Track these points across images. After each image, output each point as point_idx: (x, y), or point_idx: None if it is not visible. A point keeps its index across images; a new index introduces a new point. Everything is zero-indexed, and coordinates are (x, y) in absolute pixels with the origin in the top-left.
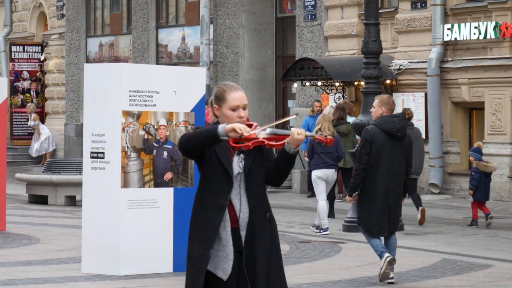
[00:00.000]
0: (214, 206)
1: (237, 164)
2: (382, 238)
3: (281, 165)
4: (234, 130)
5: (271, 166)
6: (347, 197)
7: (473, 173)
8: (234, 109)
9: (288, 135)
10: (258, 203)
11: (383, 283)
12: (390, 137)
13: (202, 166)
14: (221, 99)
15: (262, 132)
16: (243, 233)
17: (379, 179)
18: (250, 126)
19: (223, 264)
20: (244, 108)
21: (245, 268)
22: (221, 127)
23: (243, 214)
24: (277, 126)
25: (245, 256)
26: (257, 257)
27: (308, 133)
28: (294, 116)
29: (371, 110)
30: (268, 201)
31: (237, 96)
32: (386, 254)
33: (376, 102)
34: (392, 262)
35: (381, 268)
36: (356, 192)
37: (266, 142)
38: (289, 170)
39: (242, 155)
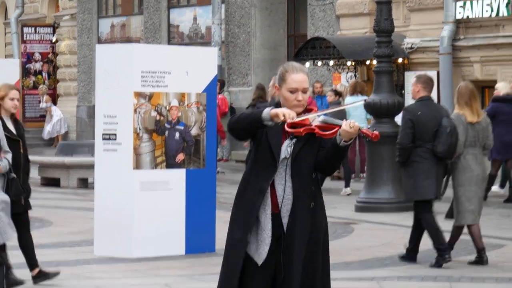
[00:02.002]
0: (255, 188)
1: (286, 148)
2: None
3: (330, 155)
4: (277, 115)
5: (322, 154)
6: None
7: None
8: (292, 91)
9: (339, 126)
10: (302, 191)
11: (394, 264)
12: None
13: (253, 147)
14: (282, 79)
15: (317, 119)
16: (284, 221)
17: None
18: (309, 111)
19: (260, 248)
20: (304, 92)
21: (281, 257)
22: (266, 112)
23: (286, 200)
24: (337, 113)
25: (284, 243)
26: (294, 247)
27: (363, 127)
28: (362, 102)
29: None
30: (317, 190)
31: (297, 78)
32: None
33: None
34: None
35: None
36: None
37: (317, 130)
38: (339, 162)
39: (293, 140)
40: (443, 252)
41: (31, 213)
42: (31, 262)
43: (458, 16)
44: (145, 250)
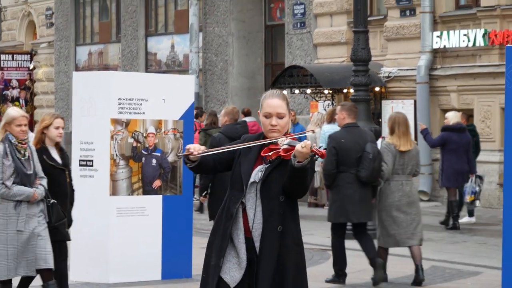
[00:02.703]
0: (227, 214)
1: (257, 173)
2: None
3: (290, 178)
4: (188, 149)
5: (285, 179)
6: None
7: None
8: (266, 116)
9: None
10: (270, 214)
11: None
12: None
13: (231, 174)
14: (261, 104)
15: (283, 142)
16: (257, 245)
17: None
18: (287, 135)
19: (234, 271)
20: (279, 117)
21: (254, 279)
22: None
23: (257, 224)
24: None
25: (252, 267)
26: (259, 271)
27: (313, 148)
28: (310, 132)
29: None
30: (287, 213)
31: (272, 103)
32: None
33: (222, 113)
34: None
35: None
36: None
37: (282, 152)
38: (299, 184)
39: (266, 165)
40: (339, 277)
41: None
42: None
43: (435, 46)
44: (122, 275)
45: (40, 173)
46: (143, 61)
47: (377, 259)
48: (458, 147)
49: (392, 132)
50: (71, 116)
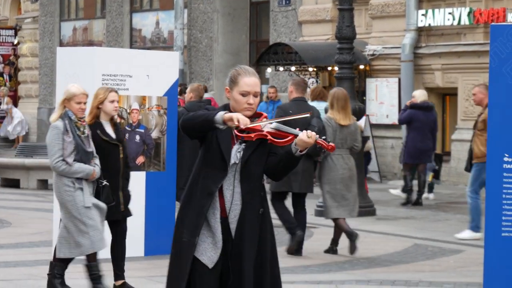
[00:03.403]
0: (203, 192)
1: (235, 153)
2: None
3: (283, 164)
4: (231, 119)
5: (272, 161)
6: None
7: None
8: (244, 94)
9: (294, 135)
10: (251, 198)
11: (353, 267)
12: None
13: (202, 149)
14: (234, 81)
15: (268, 125)
16: (232, 226)
17: None
18: (259, 116)
19: (210, 251)
20: (255, 96)
21: (230, 261)
22: (220, 115)
23: (234, 206)
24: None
25: (232, 250)
26: (244, 252)
27: (319, 139)
28: (307, 115)
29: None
30: (265, 196)
31: (249, 81)
32: None
33: (187, 90)
34: None
35: None
36: None
37: (269, 137)
38: (290, 170)
39: (242, 145)
40: (293, 229)
41: None
42: (119, 272)
43: (420, 24)
44: (104, 251)
45: (95, 152)
46: (127, 37)
47: (299, 231)
48: (423, 125)
49: (331, 106)
50: (55, 92)
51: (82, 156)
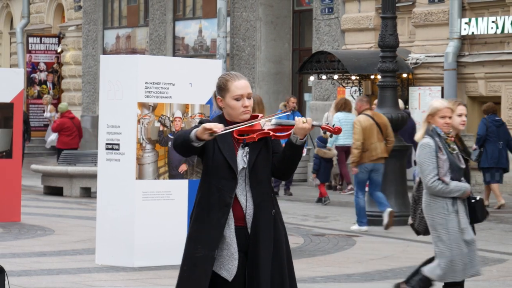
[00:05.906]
0: (219, 204)
1: (242, 158)
2: None
3: (288, 157)
4: (203, 131)
5: (277, 159)
6: None
7: (314, 158)
8: (238, 98)
9: (293, 126)
10: (262, 200)
11: (396, 276)
12: None
13: (204, 162)
14: (224, 89)
15: (267, 123)
16: (250, 232)
17: None
18: (255, 117)
19: (228, 264)
20: (248, 98)
21: (247, 268)
22: (193, 132)
23: (249, 210)
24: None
25: (249, 255)
26: (260, 257)
27: (315, 122)
28: (288, 113)
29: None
30: (274, 197)
31: (240, 84)
32: None
33: None
34: None
35: None
36: None
37: (272, 133)
38: (297, 163)
39: (246, 149)
40: None
41: (34, 221)
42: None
43: (463, 33)
44: (147, 259)
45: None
46: (170, 45)
47: None
48: (402, 132)
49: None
50: (98, 100)
51: (455, 174)
